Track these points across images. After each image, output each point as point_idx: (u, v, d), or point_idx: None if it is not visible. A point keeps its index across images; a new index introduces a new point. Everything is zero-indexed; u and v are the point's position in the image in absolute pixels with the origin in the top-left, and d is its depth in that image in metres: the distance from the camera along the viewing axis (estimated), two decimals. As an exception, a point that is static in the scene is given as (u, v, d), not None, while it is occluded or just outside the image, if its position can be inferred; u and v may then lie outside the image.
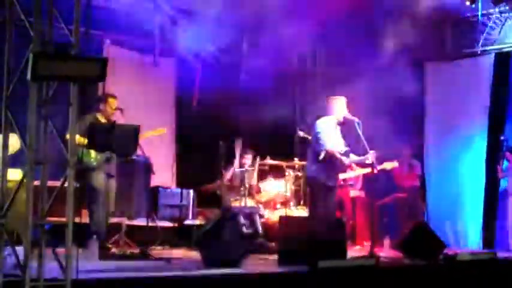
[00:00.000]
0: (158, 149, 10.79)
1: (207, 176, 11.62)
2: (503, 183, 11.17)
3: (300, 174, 11.15)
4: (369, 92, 11.58)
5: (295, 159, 11.38)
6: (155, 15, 11.20)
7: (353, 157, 9.46)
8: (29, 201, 5.15)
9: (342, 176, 10.36)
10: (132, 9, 10.78)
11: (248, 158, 11.37)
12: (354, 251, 9.88)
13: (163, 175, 11.23)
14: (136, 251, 8.91)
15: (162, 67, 12.42)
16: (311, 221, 9.02)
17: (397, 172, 11.82)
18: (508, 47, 11.65)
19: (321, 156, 9.13)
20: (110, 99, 9.07)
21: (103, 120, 8.95)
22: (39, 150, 5.38)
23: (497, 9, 11.56)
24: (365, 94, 11.40)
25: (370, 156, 9.16)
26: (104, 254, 8.35)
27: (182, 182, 11.79)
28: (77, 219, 5.78)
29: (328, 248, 8.01)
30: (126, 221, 9.98)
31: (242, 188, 10.77)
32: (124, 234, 9.66)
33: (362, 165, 10.26)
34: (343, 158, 9.24)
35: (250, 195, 10.81)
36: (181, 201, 11.00)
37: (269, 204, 10.81)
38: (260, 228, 10.24)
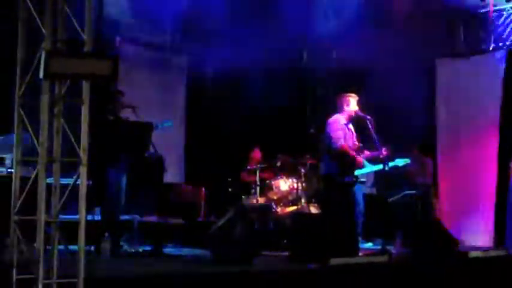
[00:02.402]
0: (168, 145, 10.77)
1: (217, 173, 11.65)
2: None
3: (311, 171, 11.12)
4: (380, 89, 11.58)
5: (307, 156, 11.37)
6: (167, 12, 11.22)
7: (367, 153, 9.45)
8: (42, 199, 5.17)
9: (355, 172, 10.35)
10: (143, 6, 10.80)
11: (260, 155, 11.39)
12: (366, 248, 9.86)
13: (173, 172, 11.23)
14: (148, 248, 8.92)
15: (174, 64, 12.45)
16: (323, 218, 9.02)
17: (409, 169, 11.79)
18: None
19: (334, 153, 9.13)
20: (118, 96, 9.06)
21: (111, 117, 8.91)
22: (51, 148, 5.40)
23: (508, 6, 11.52)
24: (376, 91, 11.41)
25: (385, 153, 9.15)
26: (116, 252, 8.37)
27: (192, 179, 11.82)
28: (89, 217, 5.80)
29: (340, 245, 8.01)
30: (138, 218, 10.00)
31: (254, 185, 10.80)
32: (136, 232, 9.67)
33: (374, 162, 10.25)
34: (358, 157, 9.24)
35: (262, 192, 10.80)
36: (193, 198, 11.01)
37: (281, 201, 10.80)
38: (272, 226, 10.22)
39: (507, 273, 8.80)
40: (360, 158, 9.44)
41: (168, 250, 9.10)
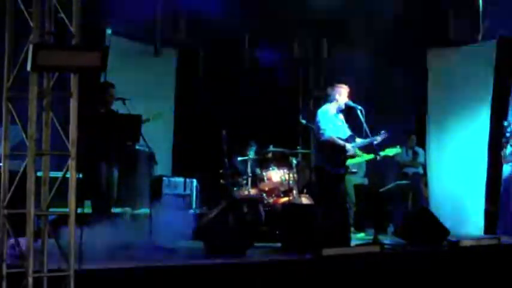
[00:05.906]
0: (157, 138, 10.73)
1: (206, 165, 11.64)
2: (506, 169, 11.13)
3: (303, 162, 11.11)
4: (371, 78, 11.59)
5: (298, 147, 11.34)
6: (157, 4, 11.18)
7: (359, 141, 9.41)
8: (31, 192, 5.14)
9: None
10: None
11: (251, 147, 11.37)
12: (358, 239, 9.88)
13: (162, 165, 11.20)
14: (140, 240, 8.89)
15: (164, 57, 12.42)
16: (314, 209, 9.02)
17: (400, 159, 11.82)
18: (510, 33, 11.60)
19: (322, 144, 9.12)
20: (109, 89, 9.01)
21: (102, 110, 8.87)
22: (40, 141, 5.37)
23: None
24: (368, 80, 11.41)
25: (379, 137, 9.12)
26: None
27: (180, 171, 11.81)
28: (79, 210, 5.77)
29: (332, 235, 8.02)
30: (129, 211, 9.97)
31: (245, 177, 10.77)
32: (128, 224, 9.64)
33: (365, 151, 10.24)
34: (347, 145, 9.19)
35: (254, 183, 10.78)
36: (184, 190, 11.00)
37: (272, 192, 10.78)
38: (263, 217, 10.20)
39: (498, 261, 8.81)
40: (353, 147, 9.40)
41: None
